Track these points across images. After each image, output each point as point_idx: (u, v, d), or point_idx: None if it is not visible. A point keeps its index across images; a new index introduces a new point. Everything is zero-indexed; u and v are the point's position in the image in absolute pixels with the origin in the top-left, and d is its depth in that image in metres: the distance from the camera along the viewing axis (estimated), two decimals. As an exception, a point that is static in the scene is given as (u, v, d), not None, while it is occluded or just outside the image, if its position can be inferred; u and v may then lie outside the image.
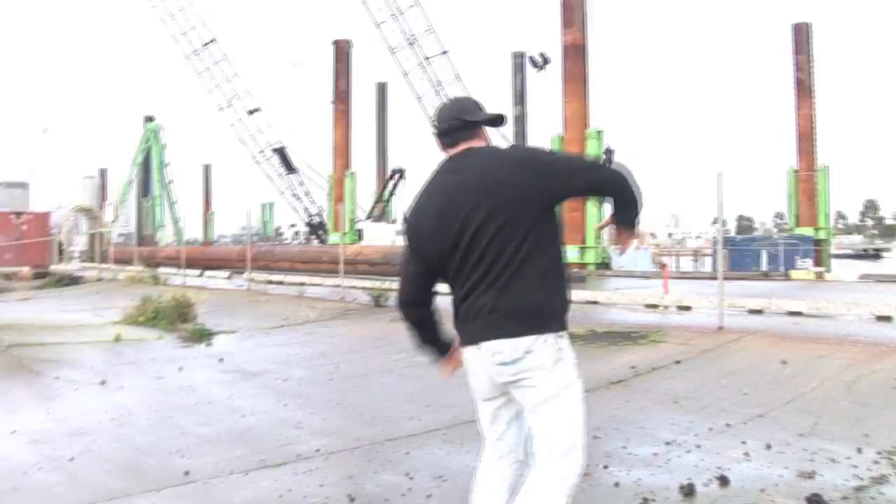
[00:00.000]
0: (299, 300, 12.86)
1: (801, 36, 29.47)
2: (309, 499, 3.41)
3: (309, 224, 39.27)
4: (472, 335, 2.19)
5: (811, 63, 29.26)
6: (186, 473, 3.79)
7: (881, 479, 3.42)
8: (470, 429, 3.63)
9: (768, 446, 3.96)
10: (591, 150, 22.82)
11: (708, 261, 31.60)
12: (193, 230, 54.23)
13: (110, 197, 54.60)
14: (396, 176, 35.24)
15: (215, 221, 54.41)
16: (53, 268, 26.77)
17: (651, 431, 4.37)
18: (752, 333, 7.54)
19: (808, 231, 27.79)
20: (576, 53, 23.65)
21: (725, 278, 9.00)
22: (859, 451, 3.82)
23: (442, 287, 2.33)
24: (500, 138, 24.11)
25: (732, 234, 59.86)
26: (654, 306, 10.46)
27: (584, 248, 21.97)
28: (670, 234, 78.25)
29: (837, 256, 39.42)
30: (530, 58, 29.63)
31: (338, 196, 34.29)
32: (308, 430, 4.69)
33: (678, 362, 6.32)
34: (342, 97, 36.02)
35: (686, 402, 5.05)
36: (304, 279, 16.56)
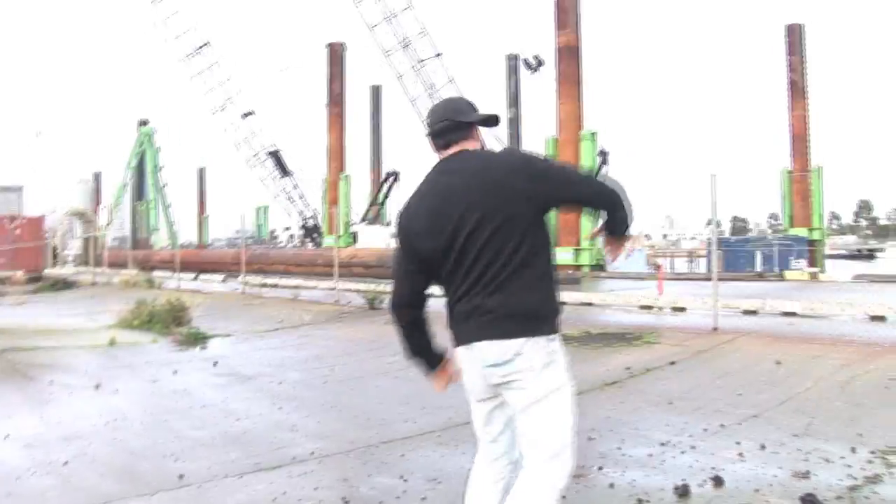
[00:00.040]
0: (294, 303, 12.85)
1: (794, 37, 29.67)
2: (303, 502, 3.41)
3: (303, 227, 39.25)
4: (466, 335, 2.19)
5: (804, 64, 29.44)
6: (181, 477, 3.78)
7: (875, 479, 3.43)
8: (464, 431, 3.63)
9: (763, 447, 3.97)
10: (586, 151, 22.87)
11: (702, 262, 31.65)
12: (188, 234, 54.08)
13: (105, 201, 54.35)
14: (391, 179, 35.23)
15: (210, 225, 54.51)
16: (48, 272, 26.62)
17: (646, 432, 4.37)
18: (746, 334, 7.56)
19: (802, 232, 27.97)
20: (570, 55, 23.69)
21: (720, 279, 9.04)
22: (853, 450, 3.83)
23: (434, 290, 2.32)
24: (493, 140, 24.19)
25: (727, 235, 60.02)
26: (649, 307, 10.48)
27: (579, 249, 21.98)
28: (665, 236, 78.50)
29: (831, 257, 39.68)
30: (524, 60, 29.64)
31: (332, 199, 34.29)
32: (303, 433, 4.69)
33: (673, 363, 6.33)
34: (336, 100, 36.09)
35: (681, 403, 5.06)
36: (298, 282, 16.55)
